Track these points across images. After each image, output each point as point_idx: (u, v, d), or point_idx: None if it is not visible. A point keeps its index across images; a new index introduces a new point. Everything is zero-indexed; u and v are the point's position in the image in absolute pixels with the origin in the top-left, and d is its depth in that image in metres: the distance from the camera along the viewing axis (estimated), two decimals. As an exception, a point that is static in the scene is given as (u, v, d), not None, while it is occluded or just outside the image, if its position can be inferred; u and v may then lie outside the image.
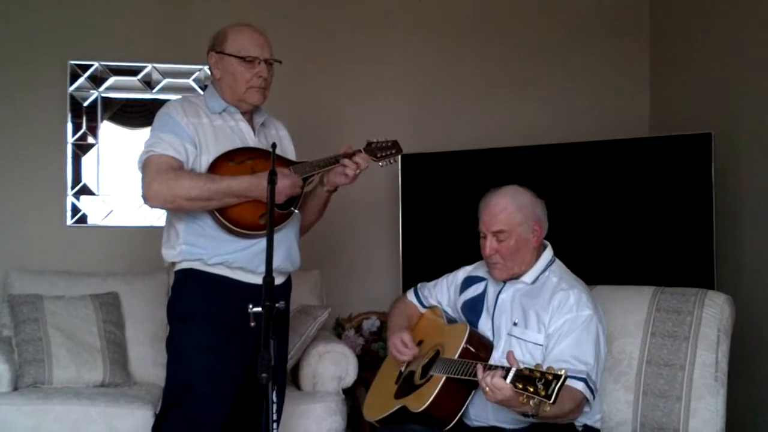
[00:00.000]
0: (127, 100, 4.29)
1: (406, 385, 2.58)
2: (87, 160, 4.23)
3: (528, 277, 2.53)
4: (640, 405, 2.59)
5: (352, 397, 3.87)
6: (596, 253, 3.79)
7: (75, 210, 4.22)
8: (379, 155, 2.84)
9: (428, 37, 4.49)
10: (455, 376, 2.35)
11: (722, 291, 2.78)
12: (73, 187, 4.22)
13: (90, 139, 4.24)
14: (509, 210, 2.50)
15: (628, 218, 3.81)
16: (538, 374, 1.97)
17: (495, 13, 4.54)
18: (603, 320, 2.46)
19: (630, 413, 2.61)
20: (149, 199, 2.56)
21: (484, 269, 2.66)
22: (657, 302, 2.69)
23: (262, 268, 2.56)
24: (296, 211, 2.69)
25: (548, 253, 2.57)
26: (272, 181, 2.42)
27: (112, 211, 4.25)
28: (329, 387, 3.54)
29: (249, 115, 2.76)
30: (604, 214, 3.87)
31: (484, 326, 2.55)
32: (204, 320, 2.60)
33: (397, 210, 4.24)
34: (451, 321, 2.70)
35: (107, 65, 4.25)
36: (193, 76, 4.29)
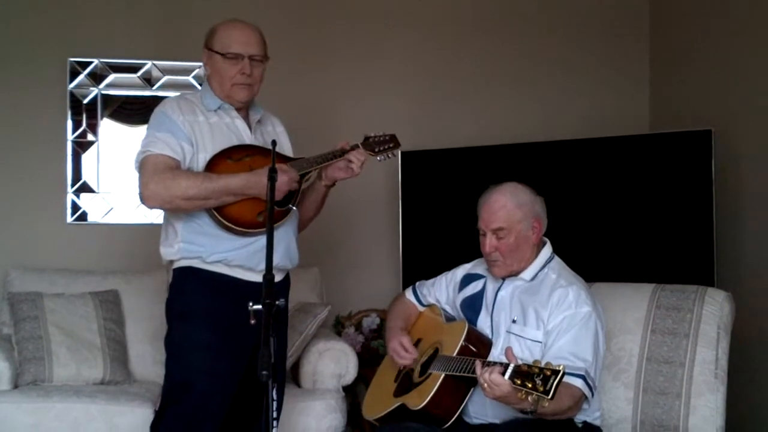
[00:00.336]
0: (127, 97, 4.30)
1: (405, 383, 2.59)
2: (87, 157, 4.24)
3: (527, 274, 2.52)
4: (640, 402, 2.59)
5: (352, 394, 3.88)
6: (596, 250, 3.79)
7: (75, 207, 4.23)
8: (377, 150, 2.83)
9: (428, 34, 4.48)
10: (454, 374, 2.35)
11: (722, 288, 2.78)
12: (73, 185, 4.22)
13: (90, 137, 4.24)
14: (509, 207, 2.49)
15: (628, 215, 3.81)
16: (537, 370, 1.97)
17: (495, 10, 4.53)
18: (602, 317, 2.46)
19: (630, 410, 2.61)
20: (147, 199, 2.55)
21: (483, 267, 2.65)
22: (657, 299, 2.68)
23: (262, 266, 2.56)
24: (294, 208, 2.68)
25: (547, 250, 2.57)
26: (272, 178, 2.42)
27: (112, 208, 4.25)
28: (329, 384, 3.54)
29: (245, 111, 2.75)
30: (603, 211, 3.87)
31: (483, 324, 2.55)
32: (203, 318, 2.60)
33: (397, 207, 4.24)
34: (450, 319, 2.70)
35: (107, 62, 4.25)
36: (193, 73, 4.29)
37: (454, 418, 2.41)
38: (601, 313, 2.47)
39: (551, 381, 1.93)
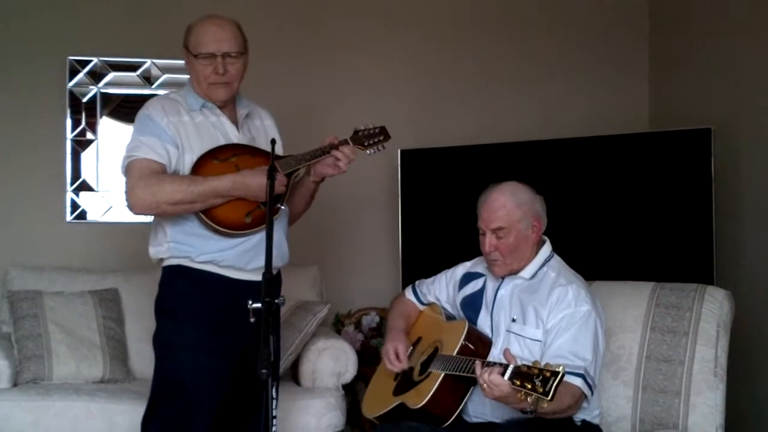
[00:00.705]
0: (127, 95, 4.29)
1: (405, 382, 2.58)
2: (86, 156, 4.24)
3: (526, 273, 2.52)
4: (640, 400, 2.59)
5: (352, 392, 3.88)
6: (596, 248, 3.79)
7: (74, 206, 4.22)
8: (366, 144, 2.77)
9: (428, 33, 4.48)
10: (454, 373, 2.35)
11: (721, 286, 2.77)
12: (72, 183, 4.22)
13: (89, 135, 4.24)
14: (508, 207, 2.49)
15: (627, 214, 3.81)
16: (536, 371, 1.97)
17: (495, 10, 4.53)
18: (602, 315, 2.46)
19: (629, 409, 2.61)
20: (133, 206, 2.53)
21: (483, 265, 2.65)
22: (656, 298, 2.68)
23: (252, 265, 2.57)
24: (283, 207, 2.64)
25: (547, 249, 2.57)
26: (272, 177, 2.42)
27: (111, 207, 4.25)
28: (328, 383, 3.54)
29: (231, 107, 2.71)
30: (603, 210, 3.87)
31: (483, 323, 2.55)
32: (193, 316, 2.58)
33: (397, 206, 4.24)
34: (450, 318, 2.70)
35: (106, 61, 4.24)
36: (193, 72, 4.28)
37: (453, 417, 2.41)
38: (601, 311, 2.47)
39: (551, 382, 1.93)
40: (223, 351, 2.58)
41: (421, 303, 2.83)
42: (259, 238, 2.55)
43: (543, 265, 2.53)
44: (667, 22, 4.43)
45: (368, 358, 3.88)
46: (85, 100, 4.23)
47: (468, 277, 2.70)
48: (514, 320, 2.47)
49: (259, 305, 2.02)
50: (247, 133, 2.70)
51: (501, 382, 2.04)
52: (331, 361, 3.55)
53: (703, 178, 3.59)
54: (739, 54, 3.76)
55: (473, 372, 2.18)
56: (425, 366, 2.53)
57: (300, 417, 3.40)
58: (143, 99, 4.20)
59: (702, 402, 2.51)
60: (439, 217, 4.16)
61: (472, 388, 2.41)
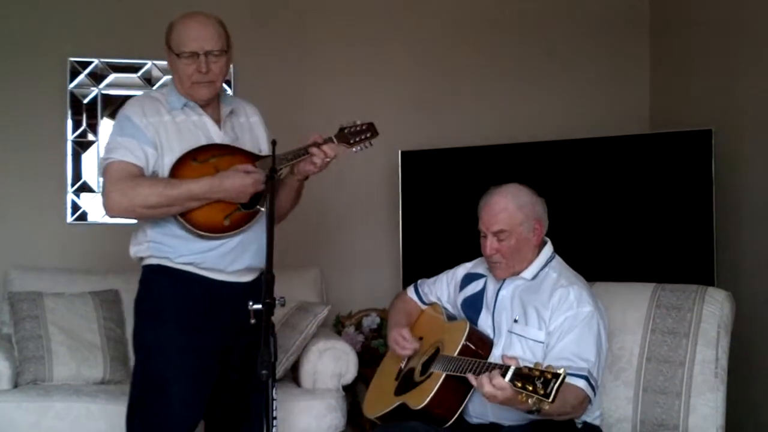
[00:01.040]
0: (128, 97, 4.26)
1: (406, 382, 2.58)
2: (87, 157, 4.24)
3: (528, 273, 2.52)
4: (640, 401, 2.59)
5: (353, 393, 3.88)
6: (596, 249, 3.79)
7: (75, 207, 4.23)
8: (352, 141, 2.68)
9: (428, 33, 4.48)
10: (455, 374, 2.35)
11: (722, 287, 2.77)
12: (73, 185, 4.22)
13: (90, 137, 4.24)
14: (510, 210, 2.48)
15: (628, 215, 3.81)
16: (537, 373, 1.96)
17: (495, 11, 4.53)
18: (604, 316, 2.45)
19: (630, 410, 2.61)
20: (109, 209, 2.50)
21: (484, 266, 2.65)
22: (657, 299, 2.68)
23: (233, 267, 2.54)
24: (262, 209, 2.57)
25: (548, 250, 2.57)
26: (272, 177, 2.41)
27: (112, 208, 4.24)
28: (329, 384, 3.54)
29: (215, 104, 2.65)
30: (604, 211, 3.87)
31: (484, 323, 2.55)
32: (176, 316, 2.54)
33: (397, 207, 4.24)
34: (451, 318, 2.70)
35: (107, 62, 4.25)
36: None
37: (454, 418, 2.41)
38: (603, 312, 2.46)
39: (552, 384, 1.92)
40: (206, 352, 2.54)
41: (423, 302, 2.83)
42: (239, 240, 2.54)
43: (544, 266, 2.53)
44: (667, 24, 4.44)
45: (369, 359, 3.88)
46: (86, 101, 4.23)
47: (469, 278, 2.70)
48: (516, 321, 2.47)
49: (259, 306, 2.03)
50: (230, 132, 2.64)
51: (504, 384, 2.04)
52: (331, 363, 3.55)
53: (704, 179, 3.59)
54: (739, 55, 3.76)
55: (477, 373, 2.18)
56: (426, 366, 2.53)
57: (301, 418, 3.40)
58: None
59: (702, 403, 2.51)
60: (439, 219, 4.16)
61: (473, 388, 2.40)
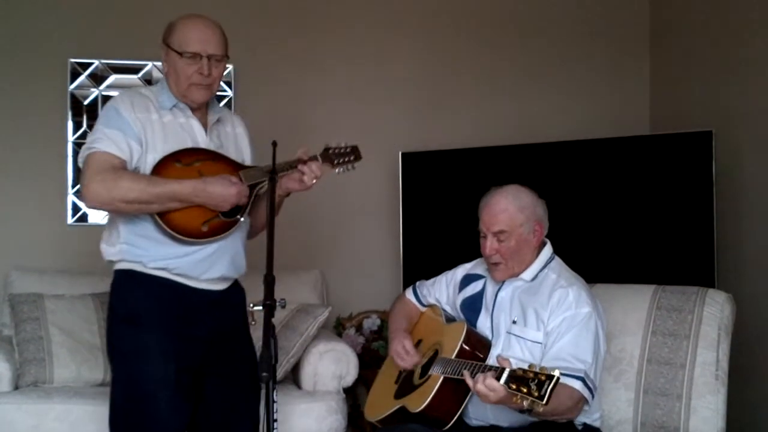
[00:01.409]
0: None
1: (406, 385, 2.58)
2: (87, 158, 4.23)
3: (527, 275, 2.52)
4: (641, 403, 2.59)
5: (353, 395, 3.88)
6: (597, 251, 3.79)
7: (75, 209, 4.22)
8: (335, 162, 2.68)
9: (428, 35, 4.48)
10: (452, 376, 2.35)
11: (723, 289, 2.77)
12: (73, 186, 4.21)
13: (90, 138, 4.23)
14: (510, 211, 2.48)
15: (628, 216, 3.81)
16: (531, 375, 1.97)
17: (495, 12, 4.53)
18: (602, 317, 2.46)
19: (630, 412, 2.61)
20: (87, 200, 2.46)
21: (483, 267, 2.65)
22: (657, 300, 2.68)
23: (206, 276, 2.50)
24: (242, 219, 2.55)
25: (547, 251, 2.57)
26: (272, 180, 2.40)
27: (112, 209, 4.24)
28: (330, 386, 3.54)
29: (203, 110, 2.61)
30: (604, 213, 3.86)
31: (483, 324, 2.55)
32: (152, 321, 2.49)
33: (398, 208, 4.24)
34: (450, 319, 2.70)
35: (108, 63, 4.25)
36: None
37: (454, 420, 2.40)
38: (602, 313, 2.46)
39: (545, 386, 1.93)
40: (187, 356, 2.50)
41: (422, 304, 2.84)
42: (214, 248, 2.50)
43: (544, 267, 2.53)
44: (668, 25, 4.43)
45: (369, 361, 3.88)
46: (86, 102, 4.23)
47: (468, 279, 2.70)
48: (514, 322, 2.47)
49: (259, 307, 2.02)
50: (216, 139, 2.61)
51: (497, 386, 2.04)
52: (332, 364, 3.55)
53: (704, 180, 3.59)
54: (739, 57, 3.76)
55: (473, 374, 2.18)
56: (425, 369, 2.53)
57: (301, 420, 3.40)
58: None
59: (703, 405, 2.51)
60: (440, 220, 4.16)
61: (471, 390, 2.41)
